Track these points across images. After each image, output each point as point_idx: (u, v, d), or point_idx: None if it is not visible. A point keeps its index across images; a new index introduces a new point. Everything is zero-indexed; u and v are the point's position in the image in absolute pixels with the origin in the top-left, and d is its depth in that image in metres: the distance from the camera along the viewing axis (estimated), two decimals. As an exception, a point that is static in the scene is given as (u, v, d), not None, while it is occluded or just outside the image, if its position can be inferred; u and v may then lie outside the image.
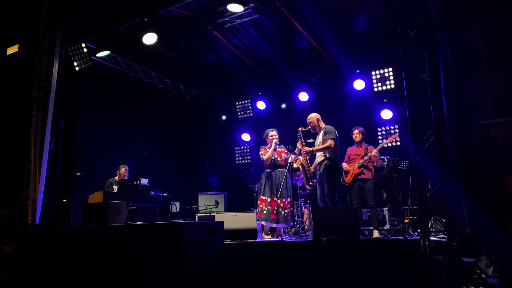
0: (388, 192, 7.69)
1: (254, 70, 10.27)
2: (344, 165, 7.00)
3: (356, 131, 7.02)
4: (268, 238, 6.29)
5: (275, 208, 6.16)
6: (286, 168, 6.39)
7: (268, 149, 6.47)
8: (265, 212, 6.16)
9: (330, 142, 6.18)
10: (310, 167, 6.43)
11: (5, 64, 8.49)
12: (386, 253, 4.52)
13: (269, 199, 6.22)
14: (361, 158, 6.83)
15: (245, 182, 9.70)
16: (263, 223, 6.23)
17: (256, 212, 6.26)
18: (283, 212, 6.17)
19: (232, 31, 8.79)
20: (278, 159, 6.43)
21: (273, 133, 6.54)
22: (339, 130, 6.52)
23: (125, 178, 8.03)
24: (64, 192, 7.86)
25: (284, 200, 6.21)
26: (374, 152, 6.79)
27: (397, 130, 8.72)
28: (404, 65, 5.30)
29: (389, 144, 8.28)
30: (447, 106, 5.01)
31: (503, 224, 4.67)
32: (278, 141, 6.51)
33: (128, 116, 9.48)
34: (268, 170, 6.45)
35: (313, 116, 6.56)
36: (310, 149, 6.32)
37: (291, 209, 6.29)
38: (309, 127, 6.52)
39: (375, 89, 8.97)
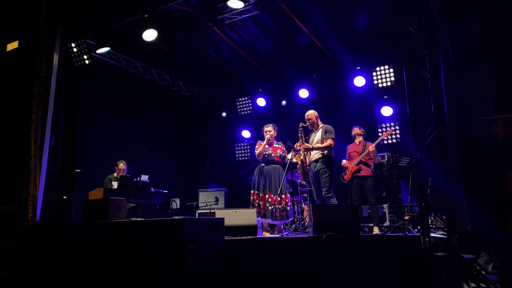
0: (388, 189, 7.70)
1: (254, 67, 10.25)
2: (344, 162, 7.01)
3: (359, 131, 7.05)
4: (267, 234, 6.30)
5: (266, 203, 6.20)
6: (280, 165, 6.42)
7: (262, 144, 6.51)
8: (256, 206, 6.23)
9: (330, 142, 6.20)
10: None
11: (4, 60, 8.48)
12: (386, 250, 4.53)
13: (260, 194, 6.27)
14: (359, 155, 6.84)
15: (245, 179, 9.70)
16: (260, 219, 6.25)
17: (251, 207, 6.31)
18: (270, 208, 6.19)
19: (233, 28, 8.78)
20: (273, 154, 6.46)
21: (267, 129, 6.56)
22: (339, 127, 6.54)
23: (125, 173, 8.02)
24: (65, 189, 7.86)
25: (273, 196, 6.23)
26: (371, 147, 6.79)
27: (397, 127, 8.71)
28: (405, 61, 5.28)
29: (389, 141, 8.31)
30: (447, 102, 5.00)
31: (503, 221, 4.67)
32: (274, 137, 6.57)
33: (128, 113, 9.48)
34: (262, 164, 6.49)
35: (312, 113, 6.56)
36: (310, 146, 6.32)
37: (281, 206, 6.27)
38: (308, 123, 6.52)
39: (376, 86, 8.96)
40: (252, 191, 6.40)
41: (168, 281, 4.09)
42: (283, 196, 6.28)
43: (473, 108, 4.99)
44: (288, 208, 6.32)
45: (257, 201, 6.29)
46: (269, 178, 6.33)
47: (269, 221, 6.26)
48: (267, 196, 6.25)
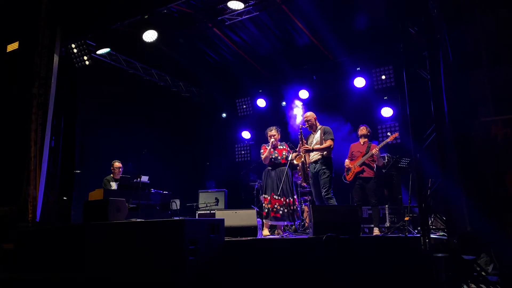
0: (388, 190, 7.69)
1: (254, 68, 10.25)
2: (347, 162, 6.99)
3: (365, 131, 7.03)
4: (267, 235, 6.29)
5: (275, 206, 6.18)
6: (287, 166, 6.40)
7: (268, 148, 6.50)
8: (266, 210, 6.21)
9: (330, 143, 6.21)
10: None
11: (5, 61, 8.48)
12: (386, 251, 4.53)
13: (269, 197, 6.25)
14: (363, 156, 6.83)
15: (245, 180, 9.70)
16: (268, 222, 6.24)
17: (262, 212, 6.31)
18: (282, 210, 6.17)
19: (233, 29, 8.78)
20: (279, 157, 6.44)
21: (271, 133, 6.54)
22: (339, 128, 6.51)
23: (121, 172, 7.98)
24: (64, 190, 7.86)
25: (286, 198, 6.22)
26: (374, 150, 6.78)
27: (397, 128, 8.70)
28: (405, 62, 5.29)
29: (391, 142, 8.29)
30: (447, 103, 5.01)
31: (503, 222, 4.68)
32: (278, 140, 6.54)
33: (128, 114, 9.47)
34: (269, 168, 6.48)
35: (311, 115, 6.56)
36: (310, 147, 6.32)
37: (293, 207, 6.27)
38: (307, 125, 6.52)
39: (376, 87, 8.96)
40: (264, 195, 6.38)
41: (168, 282, 4.08)
42: (293, 197, 6.29)
43: (473, 109, 5.00)
44: (297, 208, 6.35)
45: (264, 204, 6.29)
46: (279, 181, 6.30)
47: (283, 223, 6.25)
48: (278, 197, 6.22)
